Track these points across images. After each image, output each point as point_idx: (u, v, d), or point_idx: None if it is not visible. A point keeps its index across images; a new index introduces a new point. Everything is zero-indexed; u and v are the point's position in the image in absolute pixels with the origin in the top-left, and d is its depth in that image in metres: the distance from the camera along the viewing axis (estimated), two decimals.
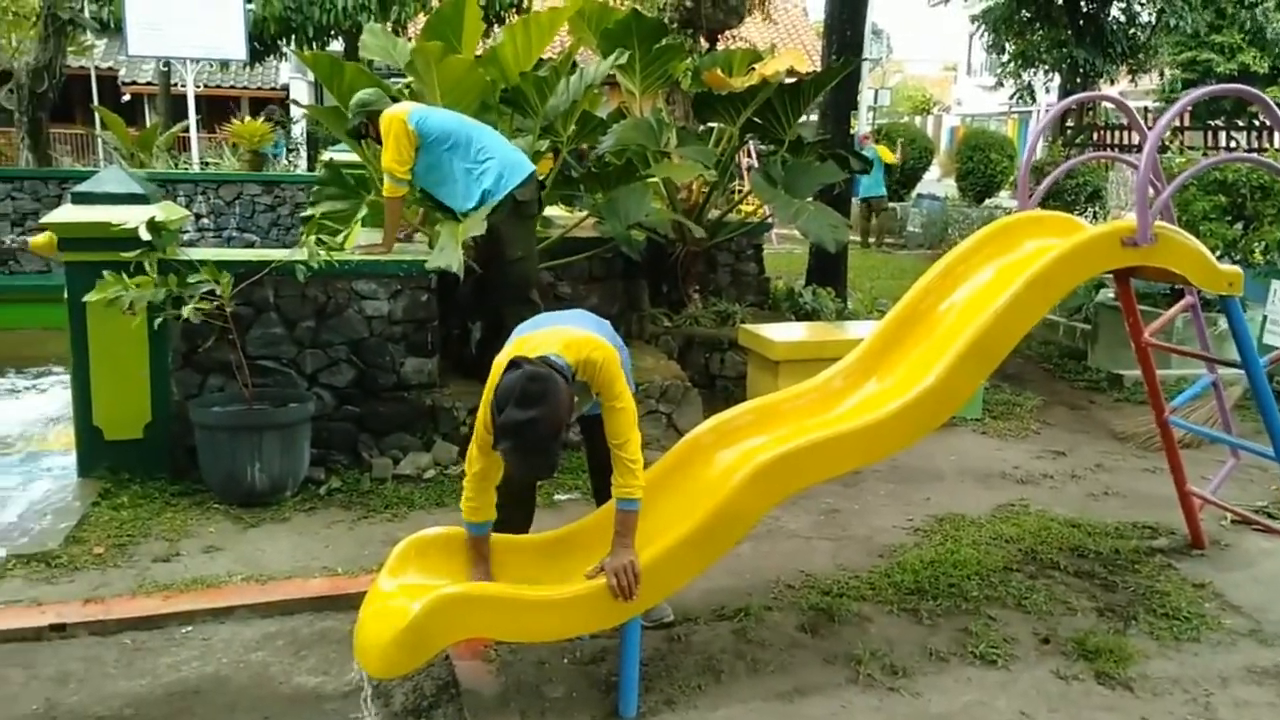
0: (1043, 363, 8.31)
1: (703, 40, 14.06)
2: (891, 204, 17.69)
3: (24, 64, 12.71)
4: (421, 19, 15.40)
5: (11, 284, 10.34)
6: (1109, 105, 12.67)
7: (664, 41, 6.77)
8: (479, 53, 6.28)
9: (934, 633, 3.75)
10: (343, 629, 3.57)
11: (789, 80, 6.61)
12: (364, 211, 5.67)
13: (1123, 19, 14.62)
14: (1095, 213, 11.12)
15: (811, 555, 4.44)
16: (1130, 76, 16.14)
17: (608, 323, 3.44)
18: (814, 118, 8.82)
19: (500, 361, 3.02)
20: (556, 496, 4.98)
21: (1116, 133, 12.32)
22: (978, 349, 3.51)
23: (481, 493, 3.17)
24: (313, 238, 4.94)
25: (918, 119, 37.41)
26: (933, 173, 25.32)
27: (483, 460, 3.10)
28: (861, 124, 22.12)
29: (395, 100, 5.25)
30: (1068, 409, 7.04)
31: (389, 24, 13.98)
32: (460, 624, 2.99)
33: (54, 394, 7.78)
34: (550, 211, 6.73)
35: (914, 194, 19.77)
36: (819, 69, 7.75)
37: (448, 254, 4.75)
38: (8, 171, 11.54)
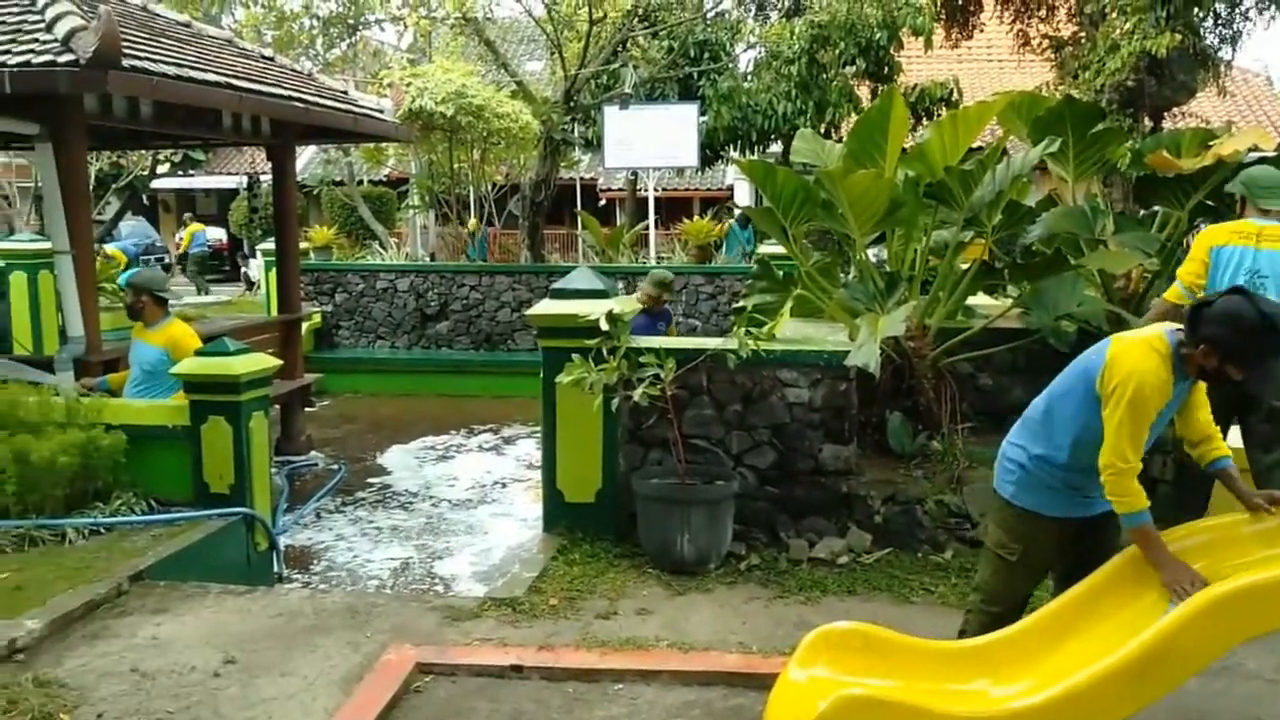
0: None
1: (1146, 119, 12.75)
2: None
3: (528, 178, 14.72)
4: (852, 119, 15.63)
5: (507, 360, 11.89)
6: None
7: (1100, 126, 6.21)
8: (906, 145, 6.17)
9: None
10: (754, 709, 3.52)
11: (1251, 159, 5.73)
12: (789, 305, 5.78)
13: None
14: None
15: (1277, 703, 3.65)
16: None
17: None
18: None
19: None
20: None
21: None
22: None
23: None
24: (744, 329, 5.10)
25: None
26: None
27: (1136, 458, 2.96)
28: None
29: None
30: None
31: (823, 125, 14.30)
32: None
33: (526, 454, 8.78)
34: (973, 300, 6.39)
35: None
36: None
37: (867, 351, 4.66)
38: (512, 267, 13.35)
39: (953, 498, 5.20)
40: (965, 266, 6.01)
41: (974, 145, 5.97)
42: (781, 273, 6.21)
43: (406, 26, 14.73)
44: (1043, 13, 14.76)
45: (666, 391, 4.99)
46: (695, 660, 3.97)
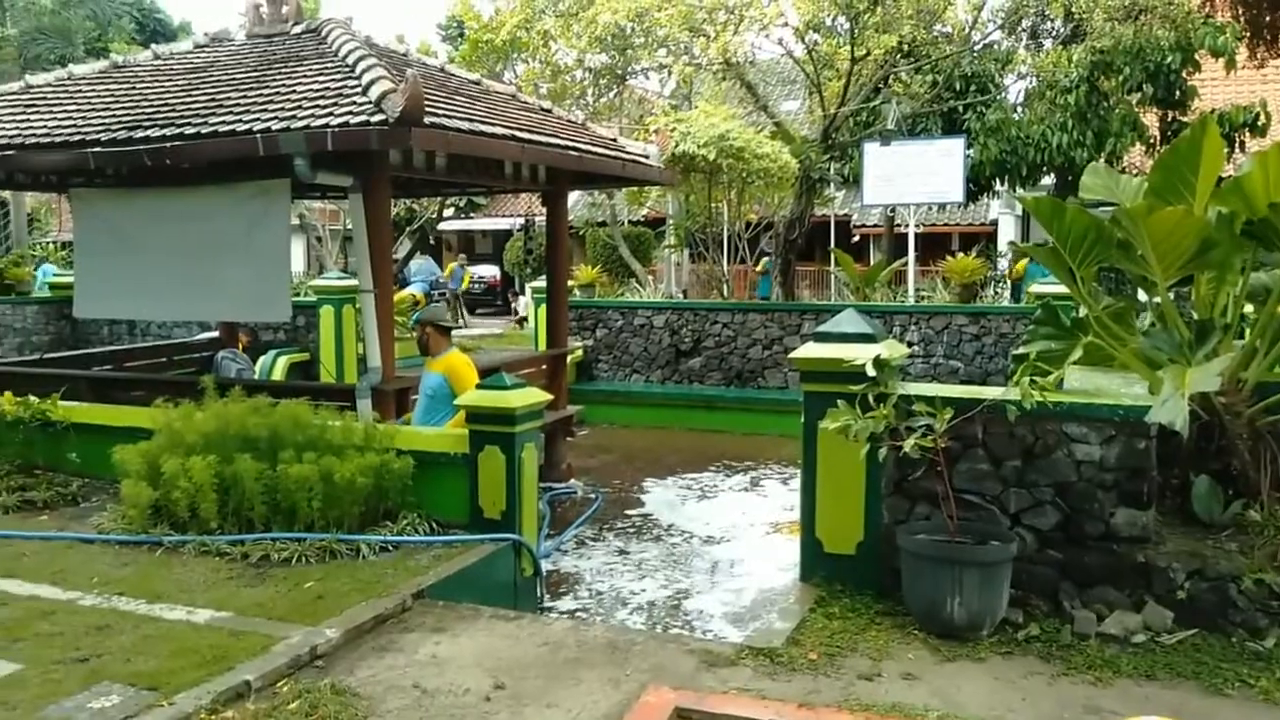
0: None
1: None
2: None
3: (782, 216, 14.64)
4: (1136, 149, 14.34)
5: (757, 397, 11.77)
6: None
7: None
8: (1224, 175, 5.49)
9: None
10: None
11: None
12: (1078, 353, 5.26)
13: None
14: None
15: None
16: None
17: None
18: None
19: None
20: None
21: None
22: None
23: None
24: (1026, 378, 4.68)
25: None
26: None
27: None
28: None
29: None
30: None
31: (1102, 156, 13.22)
32: None
33: (778, 494, 8.58)
34: None
35: None
36: None
37: (1172, 406, 4.12)
38: (764, 305, 13.28)
39: (1275, 577, 4.49)
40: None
41: None
42: (1069, 319, 5.68)
43: (670, 74, 15.12)
44: None
45: (938, 443, 4.66)
46: None
